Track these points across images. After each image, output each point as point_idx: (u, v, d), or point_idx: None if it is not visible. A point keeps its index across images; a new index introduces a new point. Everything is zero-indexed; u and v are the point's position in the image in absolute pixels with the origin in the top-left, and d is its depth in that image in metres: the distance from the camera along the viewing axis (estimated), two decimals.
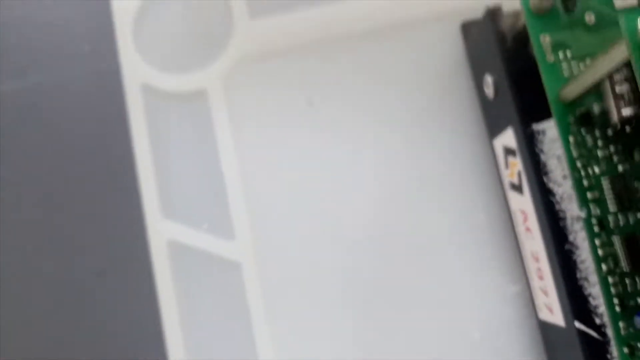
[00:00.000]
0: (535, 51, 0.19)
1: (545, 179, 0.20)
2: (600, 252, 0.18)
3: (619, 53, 0.15)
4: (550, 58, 0.19)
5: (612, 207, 0.17)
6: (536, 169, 0.20)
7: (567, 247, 0.19)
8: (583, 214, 0.18)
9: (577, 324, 0.18)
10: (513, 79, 0.21)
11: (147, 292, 0.24)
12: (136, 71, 0.25)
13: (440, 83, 0.25)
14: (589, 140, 0.18)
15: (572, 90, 0.17)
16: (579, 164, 0.18)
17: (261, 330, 0.24)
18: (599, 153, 0.18)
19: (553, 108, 0.18)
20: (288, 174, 0.25)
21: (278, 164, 0.25)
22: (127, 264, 0.24)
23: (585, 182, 0.18)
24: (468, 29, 0.24)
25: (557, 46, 0.19)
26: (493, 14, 0.22)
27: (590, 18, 0.19)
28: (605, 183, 0.18)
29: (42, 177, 0.25)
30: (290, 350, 0.24)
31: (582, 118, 0.18)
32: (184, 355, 0.23)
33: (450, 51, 0.25)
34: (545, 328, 0.22)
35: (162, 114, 0.25)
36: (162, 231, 0.24)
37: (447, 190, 0.25)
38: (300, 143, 0.25)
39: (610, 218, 0.17)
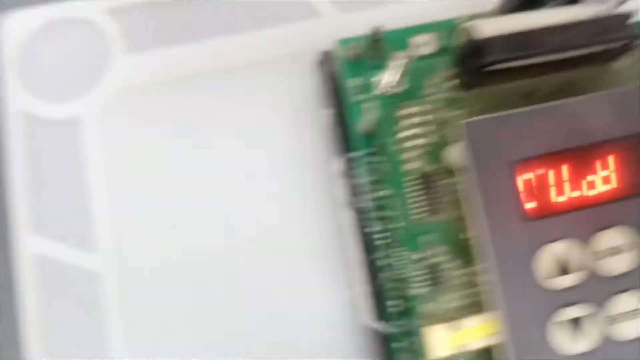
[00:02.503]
0: (342, 92, 0.22)
1: (356, 200, 0.23)
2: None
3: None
4: (355, 98, 0.22)
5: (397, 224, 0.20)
6: (353, 190, 0.23)
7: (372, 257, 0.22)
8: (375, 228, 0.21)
9: (373, 323, 0.21)
10: (339, 114, 0.24)
11: (7, 305, 0.26)
12: (17, 98, 0.27)
13: (299, 114, 0.28)
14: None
15: (364, 126, 0.21)
16: (372, 188, 0.21)
17: (117, 338, 0.26)
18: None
19: (354, 139, 0.22)
20: (152, 197, 0.27)
21: (144, 190, 0.27)
22: None
23: (375, 203, 0.21)
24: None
25: (363, 87, 0.22)
26: (326, 57, 0.25)
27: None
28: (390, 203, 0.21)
29: None
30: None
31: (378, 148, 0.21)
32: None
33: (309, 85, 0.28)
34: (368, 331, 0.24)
35: (39, 139, 0.27)
36: (28, 245, 0.26)
37: (292, 206, 0.27)
38: (165, 163, 0.27)
39: (397, 233, 0.20)
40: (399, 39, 0.24)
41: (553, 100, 0.19)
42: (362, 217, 0.23)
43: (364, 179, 0.23)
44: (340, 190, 0.25)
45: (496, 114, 0.18)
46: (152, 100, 0.29)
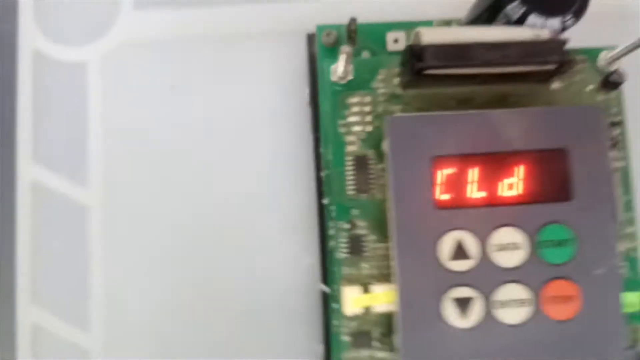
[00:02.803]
0: (319, 73, 0.25)
1: (320, 174, 0.26)
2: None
3: None
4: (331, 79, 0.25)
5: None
6: (318, 165, 0.26)
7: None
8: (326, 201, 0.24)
9: (321, 286, 0.24)
10: (314, 93, 0.27)
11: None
12: (31, 37, 0.30)
13: (291, 87, 0.31)
14: None
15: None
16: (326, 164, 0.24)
17: (98, 266, 0.29)
18: None
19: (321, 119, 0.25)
20: (143, 140, 0.31)
21: (136, 134, 0.31)
22: None
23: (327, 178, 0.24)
24: None
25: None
26: (310, 40, 0.28)
27: (365, 54, 0.25)
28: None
29: None
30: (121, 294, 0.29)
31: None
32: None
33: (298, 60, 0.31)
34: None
35: (47, 77, 0.31)
36: (27, 173, 0.30)
37: (271, 173, 0.30)
38: (158, 115, 0.31)
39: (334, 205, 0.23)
40: (373, 31, 0.26)
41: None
42: (321, 190, 0.26)
43: (325, 155, 0.25)
44: (311, 164, 0.28)
45: (417, 114, 0.21)
46: (152, 55, 0.32)
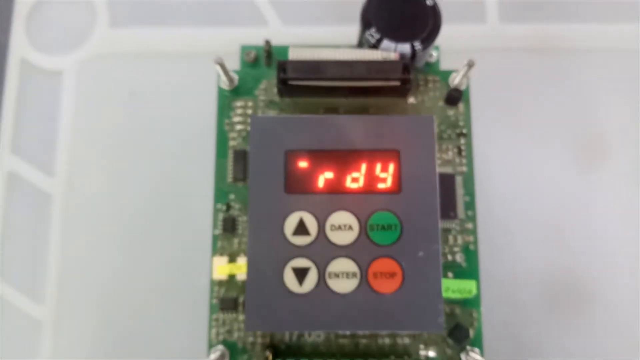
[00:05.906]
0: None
1: None
2: None
3: None
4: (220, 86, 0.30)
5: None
6: None
7: None
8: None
9: None
10: None
11: None
12: (20, 46, 0.37)
13: None
14: None
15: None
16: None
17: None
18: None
19: None
20: (105, 139, 0.36)
21: (100, 132, 0.36)
22: None
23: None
24: None
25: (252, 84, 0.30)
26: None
27: None
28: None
29: None
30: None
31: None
32: None
33: None
34: None
35: (29, 82, 0.37)
36: (7, 164, 0.35)
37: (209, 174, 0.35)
38: (121, 116, 0.36)
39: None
40: (282, 52, 0.31)
41: None
42: None
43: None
44: None
45: (275, 115, 0.26)
46: (117, 66, 0.37)
